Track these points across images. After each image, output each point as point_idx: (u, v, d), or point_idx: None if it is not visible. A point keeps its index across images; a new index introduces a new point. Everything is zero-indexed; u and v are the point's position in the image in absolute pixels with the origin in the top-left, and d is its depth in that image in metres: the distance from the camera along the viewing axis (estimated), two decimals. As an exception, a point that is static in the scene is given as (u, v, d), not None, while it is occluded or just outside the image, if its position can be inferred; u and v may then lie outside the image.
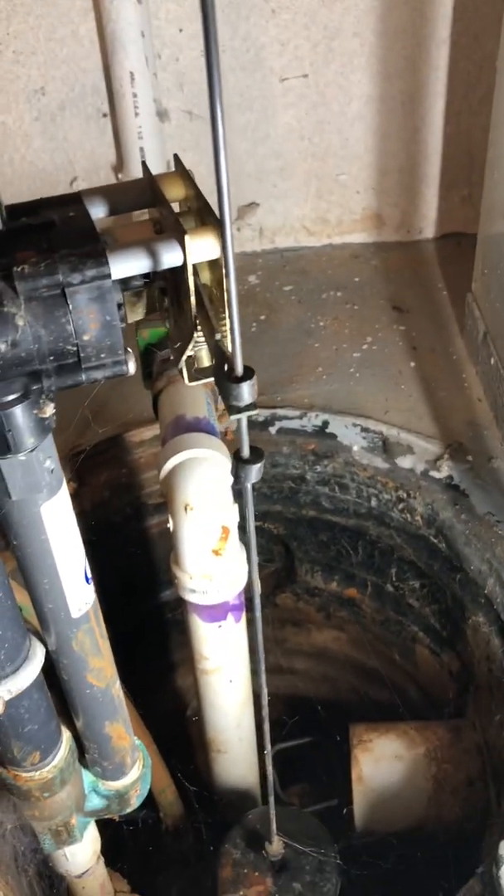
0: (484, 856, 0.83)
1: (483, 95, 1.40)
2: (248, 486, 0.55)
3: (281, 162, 1.50)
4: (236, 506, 0.91)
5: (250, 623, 1.00)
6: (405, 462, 1.18)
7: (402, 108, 1.45)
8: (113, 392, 1.32)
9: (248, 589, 1.19)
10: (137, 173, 1.43)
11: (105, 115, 1.43)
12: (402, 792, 1.12)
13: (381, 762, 1.13)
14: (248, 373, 0.46)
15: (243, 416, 0.48)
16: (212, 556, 0.89)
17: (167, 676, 1.43)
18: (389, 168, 1.51)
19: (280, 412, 1.26)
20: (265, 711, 0.76)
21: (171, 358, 0.56)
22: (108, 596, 1.30)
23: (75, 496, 1.20)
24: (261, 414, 1.27)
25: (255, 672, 0.81)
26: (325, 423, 1.24)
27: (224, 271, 0.43)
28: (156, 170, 1.49)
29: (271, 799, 0.86)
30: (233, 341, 0.45)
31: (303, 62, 1.41)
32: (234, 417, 0.48)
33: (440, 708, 1.25)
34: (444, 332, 1.37)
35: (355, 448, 1.22)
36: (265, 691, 0.74)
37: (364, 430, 1.22)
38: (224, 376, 0.47)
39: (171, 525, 0.91)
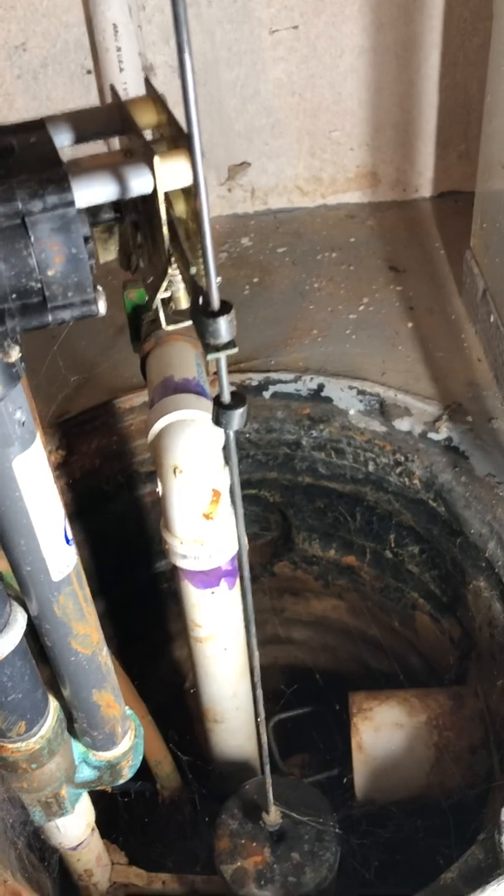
0: (486, 822, 0.81)
1: (480, 44, 1.35)
2: (231, 433, 0.51)
3: (272, 119, 1.46)
4: (227, 469, 0.88)
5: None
6: (403, 424, 1.15)
7: (396, 59, 1.40)
8: (102, 358, 1.29)
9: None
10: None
11: (89, 72, 1.39)
12: (403, 760, 1.10)
13: (382, 730, 1.10)
14: (226, 307, 0.42)
15: (222, 356, 0.44)
16: (203, 520, 0.86)
17: (164, 648, 1.41)
18: (384, 123, 1.47)
19: (274, 376, 1.23)
20: (257, 676, 0.73)
21: (148, 295, 0.52)
22: (102, 567, 1.28)
23: (64, 464, 1.18)
24: (254, 378, 1.23)
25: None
26: (321, 387, 1.21)
27: (195, 193, 0.39)
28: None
29: (267, 768, 0.84)
30: (207, 273, 0.41)
31: (292, 13, 1.36)
32: (211, 356, 0.44)
33: (441, 675, 1.22)
34: (442, 292, 1.33)
35: (351, 411, 1.18)
36: (256, 654, 0.72)
37: (360, 392, 1.19)
38: (200, 312, 0.43)
39: (159, 489, 0.88)
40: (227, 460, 0.56)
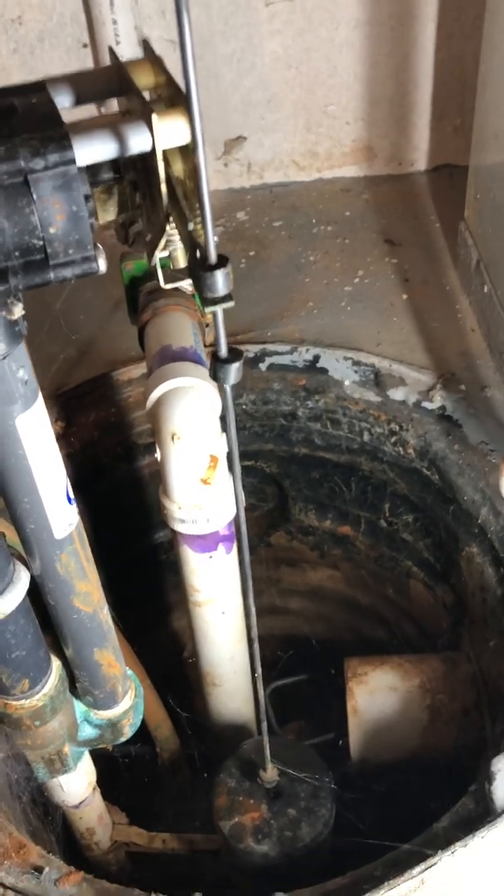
0: (479, 776, 0.83)
1: (476, 16, 1.35)
2: (228, 387, 0.53)
3: (268, 93, 1.46)
4: (224, 435, 0.90)
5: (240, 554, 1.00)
6: (397, 394, 1.16)
7: (391, 32, 1.40)
8: (101, 332, 1.30)
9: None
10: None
11: (85, 46, 1.39)
12: (397, 723, 1.13)
13: (376, 694, 1.13)
14: (222, 260, 0.44)
15: (219, 308, 0.46)
16: (201, 486, 0.88)
17: (164, 618, 1.43)
18: (379, 97, 1.47)
19: (270, 347, 1.24)
20: (254, 632, 0.75)
21: (146, 255, 0.53)
22: (102, 538, 1.30)
23: (64, 436, 1.19)
24: (250, 350, 1.25)
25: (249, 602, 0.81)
26: (317, 358, 1.22)
27: (193, 149, 0.41)
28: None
29: (264, 726, 0.86)
30: (205, 228, 0.43)
31: (288, -15, 1.36)
32: (209, 309, 0.46)
33: (435, 641, 1.25)
34: (437, 264, 1.34)
35: (347, 382, 1.20)
36: (253, 611, 0.74)
37: (356, 363, 1.20)
38: (197, 266, 0.44)
39: (158, 455, 0.90)
40: (224, 421, 0.58)
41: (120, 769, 1.06)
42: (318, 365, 1.22)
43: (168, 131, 0.45)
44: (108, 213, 0.53)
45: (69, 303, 1.28)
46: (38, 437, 0.58)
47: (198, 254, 0.44)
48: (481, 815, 0.74)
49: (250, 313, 1.29)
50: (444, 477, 1.12)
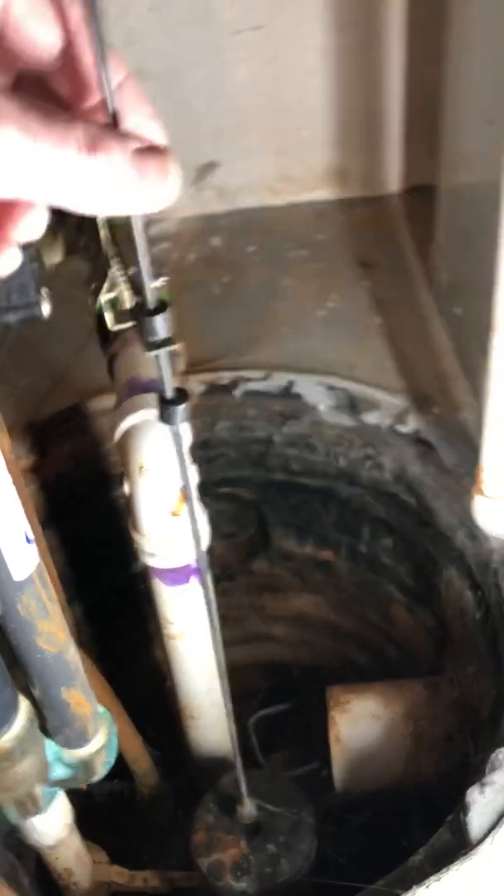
0: (456, 807, 0.82)
1: (441, 42, 1.36)
2: (178, 429, 0.52)
3: (239, 119, 1.47)
4: (195, 466, 0.89)
5: (222, 594, 0.99)
6: (371, 418, 1.16)
7: (359, 58, 1.41)
8: (75, 360, 1.29)
9: (217, 559, 1.18)
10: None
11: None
12: (380, 751, 1.11)
13: (359, 722, 1.12)
14: (162, 306, 0.44)
15: (161, 353, 0.45)
16: (170, 518, 0.87)
17: (145, 648, 1.42)
18: (350, 121, 1.48)
19: (245, 374, 1.24)
20: (222, 667, 0.74)
21: (90, 300, 0.53)
22: (79, 569, 1.29)
23: (38, 468, 1.18)
24: (225, 377, 1.24)
25: (226, 641, 0.80)
26: (291, 384, 1.22)
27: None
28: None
29: (238, 760, 0.85)
30: (141, 274, 0.43)
31: (256, 13, 1.37)
32: (150, 354, 0.45)
33: (418, 665, 1.24)
34: (411, 287, 1.34)
35: (321, 407, 1.20)
36: (220, 647, 0.73)
37: (330, 388, 1.20)
38: (138, 311, 0.44)
39: (126, 489, 0.89)
40: (180, 458, 0.57)
41: (98, 806, 1.04)
42: (293, 391, 1.22)
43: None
44: (55, 256, 0.53)
45: (42, 332, 1.28)
46: (-10, 480, 0.57)
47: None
48: (457, 847, 0.73)
49: (225, 340, 1.29)
50: (421, 501, 1.11)
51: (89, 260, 0.52)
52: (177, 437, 0.54)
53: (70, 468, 1.22)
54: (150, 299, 0.44)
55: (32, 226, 0.38)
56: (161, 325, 0.44)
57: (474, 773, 0.81)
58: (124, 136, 0.35)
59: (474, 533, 1.01)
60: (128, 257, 0.48)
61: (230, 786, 0.98)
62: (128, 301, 0.52)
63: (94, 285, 0.52)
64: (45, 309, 0.49)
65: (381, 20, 1.38)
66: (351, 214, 1.51)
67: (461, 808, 0.73)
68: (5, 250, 0.38)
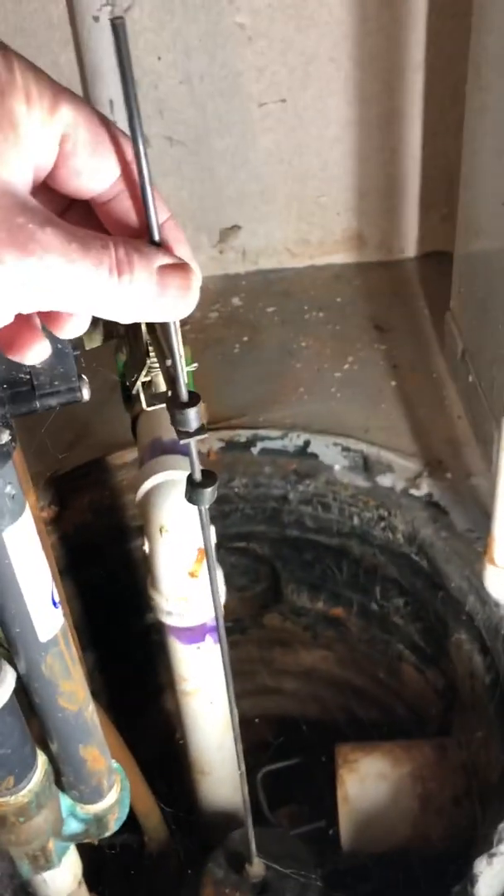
0: (464, 877, 0.82)
1: (458, 117, 1.41)
2: (204, 509, 0.55)
3: (261, 185, 1.52)
4: (213, 527, 0.92)
5: (233, 646, 1.01)
6: (385, 480, 1.19)
7: (379, 130, 1.47)
8: (95, 415, 1.33)
9: (230, 612, 1.20)
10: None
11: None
12: (387, 811, 1.12)
13: (367, 781, 1.12)
14: (194, 398, 0.47)
15: (192, 441, 0.48)
16: (188, 578, 0.90)
17: (155, 699, 1.43)
18: (369, 189, 1.53)
19: (262, 433, 1.27)
20: (237, 731, 0.76)
21: (128, 384, 0.57)
22: (93, 619, 1.31)
23: (58, 519, 1.21)
24: (242, 435, 1.28)
25: (237, 694, 0.81)
26: (307, 443, 1.25)
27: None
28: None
29: (248, 819, 0.86)
30: (175, 369, 0.46)
31: (280, 87, 1.43)
32: (183, 442, 0.48)
33: (426, 725, 1.25)
34: (425, 351, 1.38)
35: (336, 467, 1.22)
36: (235, 711, 0.75)
37: (345, 449, 1.23)
38: (171, 402, 0.47)
39: (146, 548, 0.92)
40: (203, 524, 0.60)
41: (106, 860, 1.05)
42: (309, 450, 1.25)
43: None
44: (94, 342, 0.56)
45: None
46: (24, 548, 0.60)
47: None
48: (465, 920, 0.74)
49: (243, 398, 1.33)
50: (432, 563, 1.13)
51: (127, 345, 0.56)
52: (203, 515, 0.57)
53: (89, 520, 1.25)
54: (183, 394, 0.47)
55: (73, 328, 0.42)
56: (193, 417, 0.47)
57: (482, 842, 0.82)
58: (152, 254, 0.38)
59: (485, 598, 1.03)
60: (163, 346, 0.51)
61: (240, 842, 0.99)
62: (162, 385, 0.56)
63: (133, 374, 0.55)
64: (86, 393, 0.52)
65: (400, 95, 1.45)
66: (368, 278, 1.56)
67: (469, 878, 0.74)
68: (39, 342, 0.42)
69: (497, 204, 0.99)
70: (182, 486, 0.92)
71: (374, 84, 1.43)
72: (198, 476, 0.51)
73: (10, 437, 0.53)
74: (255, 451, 1.27)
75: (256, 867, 0.94)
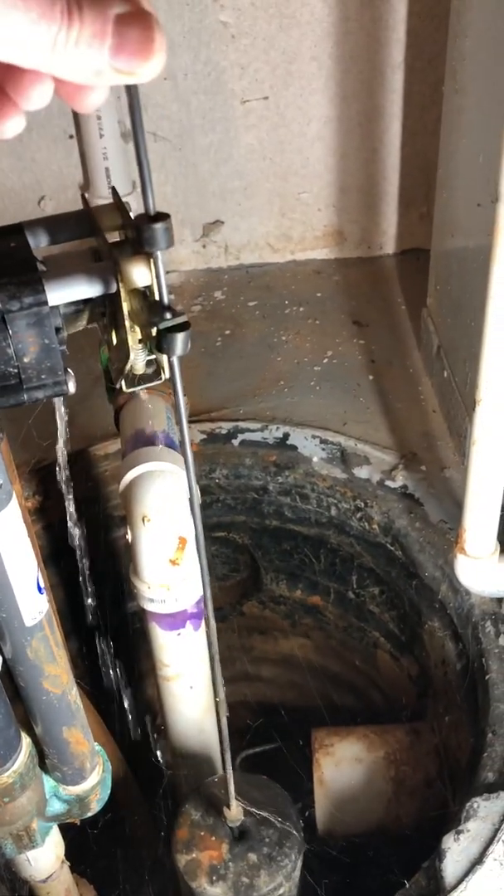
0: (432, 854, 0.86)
1: (437, 117, 1.44)
2: (176, 361, 0.53)
3: (244, 181, 1.54)
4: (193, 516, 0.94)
5: (221, 633, 1.03)
6: (362, 472, 1.22)
7: (359, 128, 1.50)
8: (80, 407, 1.35)
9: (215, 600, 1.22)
10: (104, 191, 1.46)
11: (71, 137, 1.47)
12: (362, 794, 1.15)
13: (342, 765, 1.16)
14: (162, 215, 0.45)
15: (160, 255, 0.47)
16: (169, 566, 0.92)
17: (136, 685, 1.45)
18: (349, 186, 1.56)
19: (242, 425, 1.30)
20: (224, 722, 0.79)
21: (111, 374, 0.59)
22: (76, 607, 1.33)
23: (41, 510, 1.23)
24: (224, 427, 1.30)
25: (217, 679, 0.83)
26: (286, 436, 1.28)
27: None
28: (122, 188, 1.52)
29: (228, 757, 0.84)
30: (144, 182, 0.44)
31: (263, 85, 1.45)
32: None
33: (401, 711, 1.28)
34: (402, 346, 1.41)
35: (315, 459, 1.25)
36: (223, 697, 0.77)
37: (323, 441, 1.26)
38: (140, 219, 0.46)
39: (129, 536, 0.94)
40: (174, 385, 0.56)
41: (89, 841, 1.08)
42: (288, 442, 1.27)
43: (131, 276, 0.51)
44: (78, 327, 0.59)
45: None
46: (10, 536, 0.63)
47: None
48: (432, 894, 0.77)
49: (224, 391, 1.35)
50: (407, 553, 1.16)
51: (108, 336, 0.58)
52: (175, 368, 0.54)
53: (72, 510, 1.27)
54: (151, 209, 0.46)
55: (38, 96, 0.38)
56: (161, 234, 0.45)
57: (451, 820, 0.85)
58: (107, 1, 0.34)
59: (456, 587, 1.06)
60: (143, 333, 0.54)
61: (221, 786, 0.95)
62: (141, 367, 0.58)
63: (115, 365, 0.57)
64: (72, 387, 0.54)
65: (381, 94, 1.47)
66: (347, 274, 1.59)
67: (437, 854, 0.77)
68: (13, 116, 0.39)
69: (472, 205, 1.02)
70: (164, 476, 0.94)
71: (355, 83, 1.45)
72: (166, 300, 0.49)
73: (-2, 429, 0.55)
74: (235, 442, 1.29)
75: (235, 811, 0.91)
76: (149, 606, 0.95)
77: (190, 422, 1.31)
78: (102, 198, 1.46)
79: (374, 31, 1.40)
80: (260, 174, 1.54)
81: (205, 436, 1.30)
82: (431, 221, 1.33)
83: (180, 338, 0.50)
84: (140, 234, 0.46)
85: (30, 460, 1.24)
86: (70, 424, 1.32)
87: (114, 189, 0.58)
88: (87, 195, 1.50)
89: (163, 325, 0.49)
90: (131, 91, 0.41)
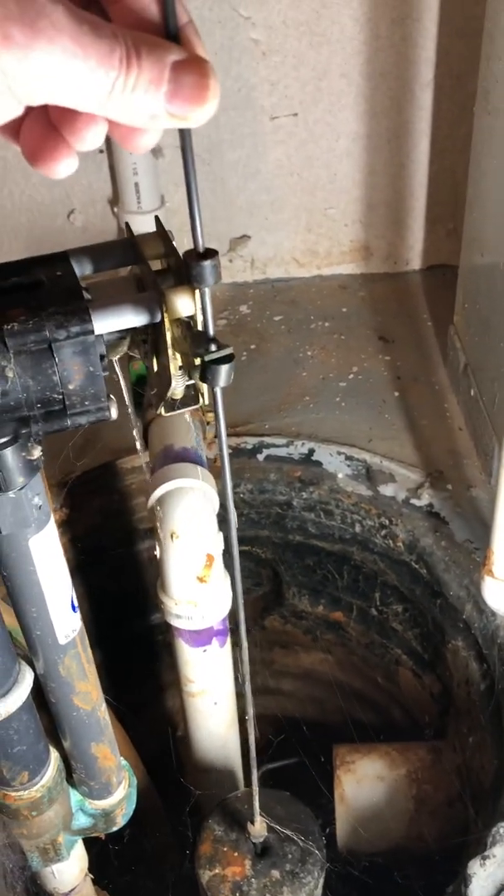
0: (457, 878, 0.86)
1: (466, 134, 1.44)
2: (219, 390, 0.55)
3: (271, 196, 1.55)
4: (220, 534, 0.95)
5: (235, 646, 1.04)
6: (387, 490, 1.22)
7: (388, 145, 1.50)
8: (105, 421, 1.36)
9: (234, 614, 1.22)
10: (133, 206, 1.48)
11: (101, 152, 1.48)
12: (383, 812, 1.15)
13: (364, 782, 1.16)
14: (210, 252, 0.47)
15: (207, 291, 0.49)
16: (197, 583, 0.93)
17: (157, 698, 1.46)
18: (376, 202, 1.56)
19: (267, 440, 1.30)
20: (251, 738, 0.79)
21: (152, 403, 0.59)
22: (100, 618, 1.34)
23: (68, 522, 1.24)
24: (249, 442, 1.31)
25: (240, 694, 0.83)
26: (311, 451, 1.28)
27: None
28: (151, 204, 1.53)
29: (254, 775, 0.85)
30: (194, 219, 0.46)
31: (292, 101, 1.46)
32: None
33: (422, 729, 1.28)
34: (428, 363, 1.41)
35: (340, 475, 1.26)
36: (251, 712, 0.77)
37: (348, 458, 1.26)
38: (189, 255, 0.48)
39: (157, 552, 0.95)
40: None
41: (110, 854, 1.08)
42: (313, 458, 1.28)
43: (175, 307, 0.51)
44: (119, 353, 0.59)
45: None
46: (47, 555, 0.64)
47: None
48: (458, 918, 0.77)
49: (250, 405, 1.36)
50: (432, 571, 1.16)
51: (146, 356, 0.59)
52: (217, 398, 0.56)
53: (98, 522, 1.28)
54: (200, 246, 0.47)
55: (92, 137, 0.39)
56: (209, 271, 0.48)
57: (475, 844, 0.85)
58: (167, 46, 0.35)
59: (482, 607, 1.06)
60: (185, 360, 0.55)
61: (245, 801, 0.95)
62: (180, 392, 0.58)
63: (155, 391, 0.58)
64: (114, 412, 0.55)
65: (409, 111, 1.47)
66: (373, 289, 1.59)
67: (462, 879, 0.77)
68: (67, 157, 0.39)
69: (502, 225, 1.02)
70: (192, 493, 0.95)
71: (384, 100, 1.46)
72: (212, 332, 0.51)
73: (40, 453, 0.56)
74: (260, 457, 1.30)
75: (258, 827, 0.91)
76: (175, 622, 0.95)
77: (214, 435, 1.32)
78: (131, 212, 1.48)
79: (403, 49, 1.40)
80: (287, 189, 1.54)
81: (230, 450, 1.30)
82: (458, 237, 1.33)
83: (224, 369, 0.51)
84: (189, 271, 0.47)
85: (57, 475, 1.25)
86: (97, 438, 1.34)
87: (157, 218, 0.58)
88: (118, 213, 1.52)
89: (208, 357, 0.50)
90: (184, 134, 0.42)
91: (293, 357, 1.46)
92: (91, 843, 0.97)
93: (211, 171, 1.51)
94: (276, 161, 1.51)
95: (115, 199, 1.52)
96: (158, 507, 0.95)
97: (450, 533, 1.15)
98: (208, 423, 1.11)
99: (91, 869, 0.98)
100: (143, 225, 1.46)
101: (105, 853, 1.08)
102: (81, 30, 0.33)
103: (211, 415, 0.69)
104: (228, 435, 1.33)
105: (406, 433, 1.28)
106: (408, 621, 1.27)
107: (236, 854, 0.95)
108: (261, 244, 1.60)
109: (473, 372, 1.23)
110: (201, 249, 0.47)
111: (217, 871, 0.94)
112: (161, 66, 0.36)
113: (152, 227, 0.58)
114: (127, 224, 0.59)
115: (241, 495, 1.30)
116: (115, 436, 1.31)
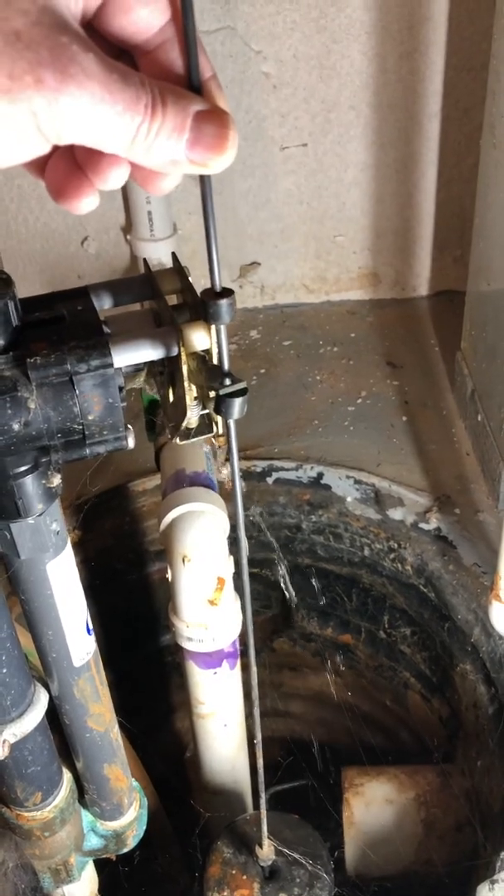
0: (466, 899, 0.86)
1: (473, 164, 1.47)
2: (232, 423, 0.56)
3: (281, 224, 1.58)
4: (231, 557, 0.97)
5: (245, 669, 1.05)
6: (396, 514, 1.23)
7: (396, 175, 1.53)
8: (118, 443, 1.38)
9: (242, 636, 1.24)
10: (145, 234, 1.51)
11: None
12: (392, 835, 1.15)
13: (372, 806, 1.16)
14: (227, 291, 0.49)
15: (223, 328, 0.52)
16: (207, 606, 0.94)
17: (167, 719, 1.47)
18: (384, 230, 1.59)
19: (277, 463, 1.32)
20: (259, 761, 0.80)
21: (168, 432, 0.61)
22: (111, 639, 1.35)
23: (80, 543, 1.26)
24: (258, 465, 1.33)
25: (249, 716, 0.84)
26: (320, 475, 1.30)
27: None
28: (163, 232, 1.56)
29: (262, 799, 0.87)
30: (207, 222, 0.49)
31: (302, 132, 1.49)
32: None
33: (431, 752, 1.28)
34: (436, 388, 1.43)
35: (349, 499, 1.27)
36: (259, 736, 0.79)
37: (357, 482, 1.28)
38: (206, 294, 0.50)
39: (169, 575, 0.96)
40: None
41: (119, 876, 1.09)
42: (322, 482, 1.29)
43: (192, 341, 0.53)
44: (136, 384, 0.61)
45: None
46: (64, 580, 0.65)
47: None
48: (467, 942, 0.77)
49: (259, 429, 1.38)
50: (440, 595, 1.17)
51: (162, 386, 0.61)
52: (230, 430, 0.59)
53: (110, 544, 1.30)
54: (217, 285, 0.49)
55: (115, 177, 0.41)
56: (226, 310, 0.50)
57: (484, 869, 0.85)
58: (190, 96, 0.38)
59: (490, 631, 1.07)
60: (200, 392, 0.57)
61: (253, 823, 0.96)
62: (194, 422, 0.60)
63: (172, 424, 0.60)
64: (131, 442, 0.57)
65: (417, 142, 1.51)
66: (381, 315, 1.61)
67: (471, 901, 0.78)
68: (89, 195, 0.42)
69: (508, 255, 1.05)
70: (204, 517, 0.97)
71: (392, 131, 1.49)
72: (227, 366, 0.52)
73: (59, 481, 0.58)
74: (270, 480, 1.31)
75: (267, 850, 0.92)
76: (186, 645, 0.96)
77: (225, 459, 1.34)
78: (144, 240, 1.51)
79: (411, 82, 1.43)
80: (297, 218, 1.57)
81: (239, 473, 1.32)
82: (465, 264, 1.35)
83: (238, 402, 0.53)
84: (206, 309, 0.49)
85: (68, 496, 1.27)
86: (108, 460, 1.36)
87: (174, 255, 0.61)
88: (131, 240, 1.55)
89: (223, 391, 0.52)
90: (204, 179, 0.44)
91: (302, 381, 1.48)
92: (102, 865, 0.98)
93: (222, 201, 1.54)
94: (286, 190, 1.55)
95: (127, 227, 1.56)
96: (170, 531, 0.97)
97: (458, 557, 1.16)
98: (219, 447, 1.13)
99: (101, 890, 0.99)
100: (155, 252, 1.50)
101: (115, 874, 1.08)
102: (111, 77, 0.35)
103: (222, 439, 0.71)
104: (238, 458, 1.36)
105: (414, 458, 1.30)
106: (416, 644, 1.28)
107: (245, 877, 0.95)
108: (271, 271, 1.62)
109: (480, 398, 1.24)
110: (218, 288, 0.49)
111: (225, 893, 0.95)
112: (184, 114, 0.38)
113: (165, 255, 0.60)
114: (145, 260, 0.62)
115: (251, 517, 1.32)
116: (127, 459, 1.33)
